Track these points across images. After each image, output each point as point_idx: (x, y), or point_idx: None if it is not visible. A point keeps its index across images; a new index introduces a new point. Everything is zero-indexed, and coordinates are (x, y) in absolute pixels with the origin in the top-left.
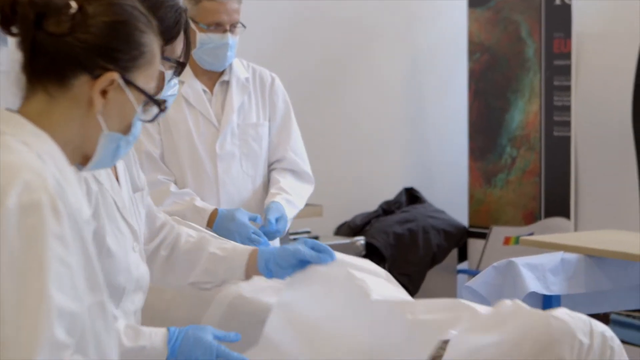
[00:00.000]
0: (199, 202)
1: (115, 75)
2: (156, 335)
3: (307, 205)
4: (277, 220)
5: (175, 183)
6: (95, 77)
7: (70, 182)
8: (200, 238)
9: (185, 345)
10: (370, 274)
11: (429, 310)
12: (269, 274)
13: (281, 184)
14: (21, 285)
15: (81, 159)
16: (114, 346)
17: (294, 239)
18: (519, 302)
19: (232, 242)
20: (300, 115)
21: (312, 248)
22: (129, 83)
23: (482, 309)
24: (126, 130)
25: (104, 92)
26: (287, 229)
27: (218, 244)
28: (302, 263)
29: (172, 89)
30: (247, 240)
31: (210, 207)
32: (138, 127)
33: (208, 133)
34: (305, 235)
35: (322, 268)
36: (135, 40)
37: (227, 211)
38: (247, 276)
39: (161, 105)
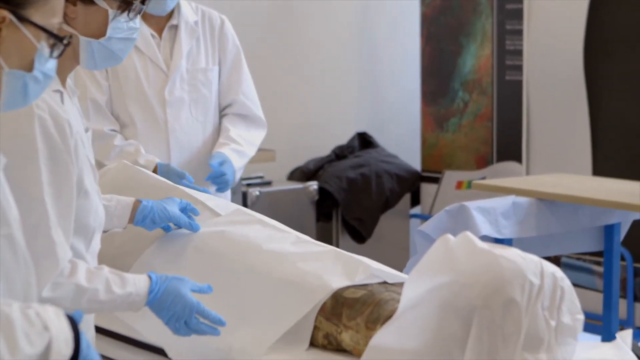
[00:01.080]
0: (142, 159)
1: (5, 13)
2: (139, 282)
3: (259, 150)
4: (220, 164)
5: (121, 133)
6: None
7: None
8: None
9: (166, 298)
10: (244, 225)
11: (304, 259)
12: (141, 225)
13: (230, 132)
14: None
15: None
16: (25, 279)
17: (248, 185)
18: (469, 235)
19: (117, 196)
20: (251, 59)
21: (186, 208)
22: (23, 19)
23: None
24: (29, 67)
25: None
26: (236, 177)
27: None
28: (176, 224)
29: (125, 32)
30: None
31: (151, 164)
32: (46, 63)
33: (157, 79)
34: (258, 180)
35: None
36: None
37: (170, 172)
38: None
39: (64, 40)
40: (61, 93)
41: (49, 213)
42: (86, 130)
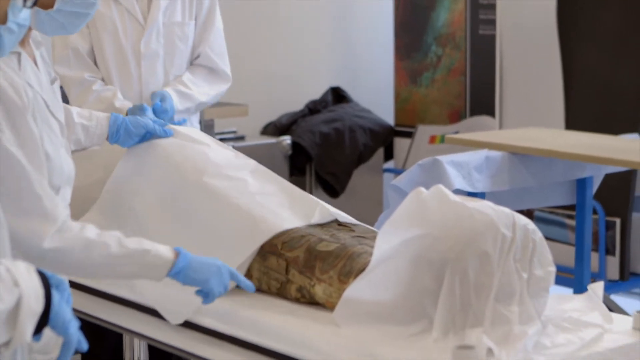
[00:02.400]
0: (118, 102)
1: None
2: (159, 246)
3: (232, 104)
4: (161, 100)
5: (103, 81)
6: None
7: None
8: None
9: (196, 265)
10: (211, 145)
11: (263, 193)
12: (116, 140)
13: (182, 77)
14: None
15: None
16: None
17: (221, 139)
18: (442, 188)
19: (90, 110)
20: (226, 12)
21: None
22: None
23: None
24: (2, 19)
25: None
26: (182, 118)
27: (78, 112)
28: (149, 134)
29: (78, 7)
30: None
31: (125, 107)
32: (20, 13)
33: (133, 31)
34: (232, 134)
35: (163, 141)
36: None
37: (134, 108)
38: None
39: None
40: (19, 54)
41: (27, 171)
42: (52, 82)
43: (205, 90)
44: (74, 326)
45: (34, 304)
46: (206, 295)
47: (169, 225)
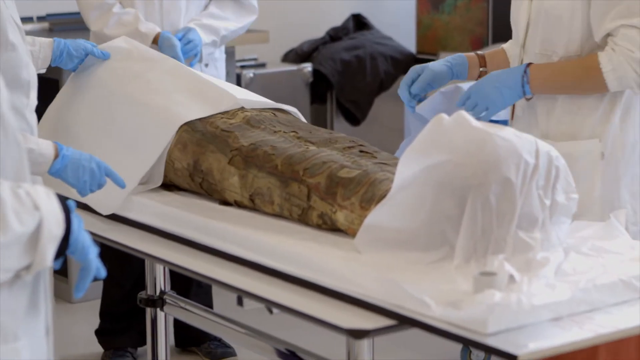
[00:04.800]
0: (142, 27)
1: None
2: (43, 142)
3: (253, 31)
4: (183, 35)
5: (121, 4)
6: None
7: None
8: None
9: (72, 167)
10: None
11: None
12: (59, 63)
13: (209, 9)
14: None
15: None
16: (15, 159)
17: (242, 67)
18: (464, 114)
19: (33, 37)
20: None
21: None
22: None
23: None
24: None
25: None
26: (209, 50)
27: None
28: (86, 55)
29: None
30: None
31: (152, 32)
32: None
33: None
34: (252, 62)
35: (99, 68)
36: None
37: (167, 38)
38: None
39: None
40: None
41: None
42: None
43: (231, 23)
44: (93, 252)
45: (55, 228)
46: (80, 192)
47: (96, 135)
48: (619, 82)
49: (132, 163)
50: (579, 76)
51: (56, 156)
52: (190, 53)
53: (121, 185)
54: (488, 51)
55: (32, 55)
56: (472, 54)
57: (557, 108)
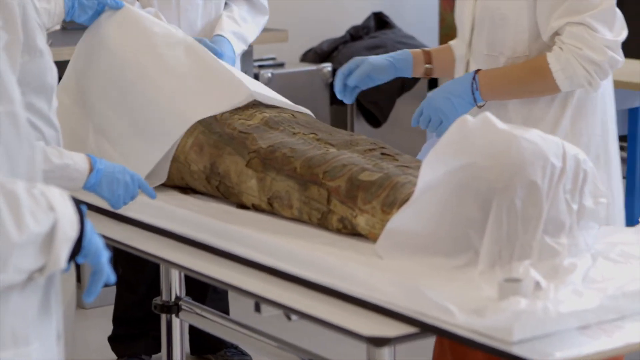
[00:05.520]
0: None
1: None
2: (77, 157)
3: (271, 30)
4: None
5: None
6: None
7: None
8: None
9: (106, 181)
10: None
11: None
12: (71, 15)
13: (233, 14)
14: None
15: None
16: (28, 158)
17: (260, 66)
18: (488, 116)
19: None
20: None
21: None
22: None
23: None
24: None
25: None
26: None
27: None
28: (101, 6)
29: None
30: None
31: None
32: None
33: None
34: (271, 61)
35: (110, 26)
36: None
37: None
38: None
39: None
40: None
41: None
42: None
43: (252, 28)
44: (105, 256)
45: (69, 230)
46: (114, 206)
47: (110, 110)
48: (570, 82)
49: (140, 154)
50: (530, 78)
51: (90, 170)
52: None
53: (152, 196)
54: (434, 48)
55: (49, 13)
56: (418, 50)
57: (509, 113)
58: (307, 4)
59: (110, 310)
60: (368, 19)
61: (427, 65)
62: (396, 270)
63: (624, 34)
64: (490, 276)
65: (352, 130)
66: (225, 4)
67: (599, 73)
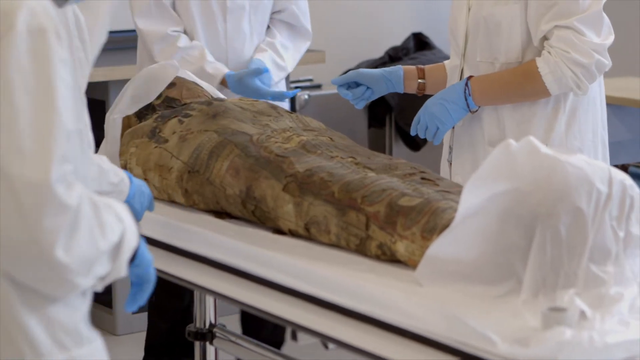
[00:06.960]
0: (209, 67)
1: None
2: (120, 171)
3: (308, 51)
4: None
5: (186, 33)
6: None
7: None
8: None
9: (138, 189)
10: None
11: None
12: None
13: (275, 42)
14: (35, 103)
15: None
16: (87, 175)
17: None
18: (532, 140)
19: None
20: None
21: None
22: None
23: None
24: None
25: None
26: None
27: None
28: None
29: None
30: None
31: (220, 74)
32: None
33: None
34: (308, 83)
35: None
36: None
37: (236, 79)
38: None
39: None
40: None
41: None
42: None
43: (293, 55)
44: (153, 267)
45: (133, 240)
46: (138, 218)
47: None
48: (559, 85)
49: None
50: (520, 83)
51: (129, 183)
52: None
53: (150, 209)
54: (429, 65)
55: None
56: (412, 67)
57: (502, 118)
58: (345, 24)
59: (141, 337)
60: (407, 39)
61: (420, 80)
62: (436, 298)
63: (611, 38)
64: (534, 305)
65: (391, 153)
66: (268, 27)
67: (587, 76)
